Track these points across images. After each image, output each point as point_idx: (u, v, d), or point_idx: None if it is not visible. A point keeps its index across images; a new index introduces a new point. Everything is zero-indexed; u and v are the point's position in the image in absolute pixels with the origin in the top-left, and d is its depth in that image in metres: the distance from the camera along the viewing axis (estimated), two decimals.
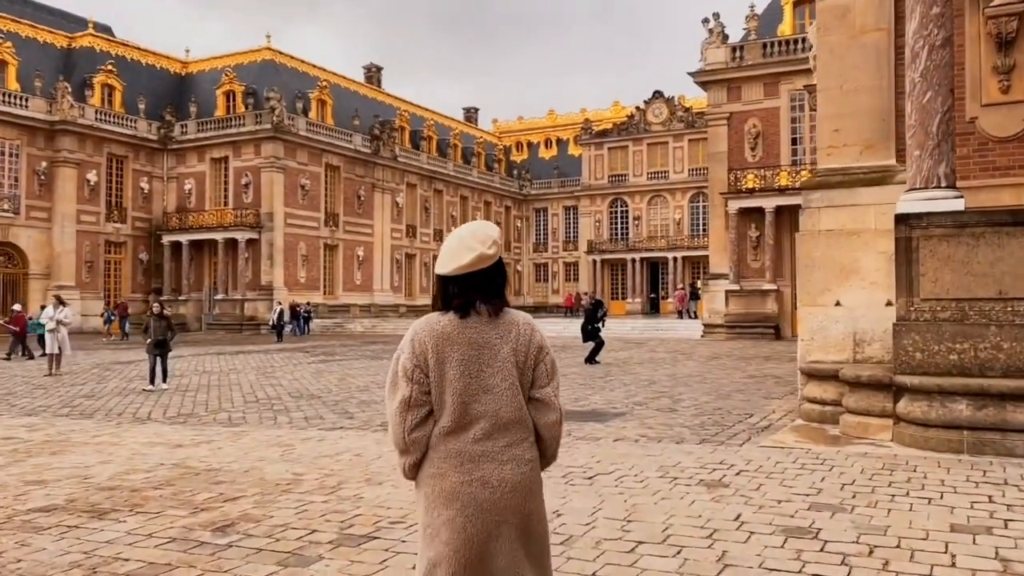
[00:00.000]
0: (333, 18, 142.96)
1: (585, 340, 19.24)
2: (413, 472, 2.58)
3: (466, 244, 2.52)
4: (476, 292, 2.53)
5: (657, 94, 60.75)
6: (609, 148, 62.27)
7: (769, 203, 30.71)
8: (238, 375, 17.12)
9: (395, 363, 2.57)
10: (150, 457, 7.78)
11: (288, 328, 37.86)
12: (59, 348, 17.96)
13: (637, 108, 61.66)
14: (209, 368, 19.10)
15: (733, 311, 31.12)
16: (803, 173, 30.71)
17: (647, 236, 60.34)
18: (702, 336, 31.53)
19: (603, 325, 19.59)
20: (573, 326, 36.45)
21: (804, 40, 31.39)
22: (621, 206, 61.96)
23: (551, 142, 69.57)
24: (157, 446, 8.43)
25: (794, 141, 31.60)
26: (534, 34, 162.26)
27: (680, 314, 44.34)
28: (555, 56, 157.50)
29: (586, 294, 20.00)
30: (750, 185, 31.22)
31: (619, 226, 61.99)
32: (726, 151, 32.30)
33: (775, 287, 30.72)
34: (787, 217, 31.21)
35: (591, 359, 18.76)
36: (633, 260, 59.69)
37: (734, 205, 31.33)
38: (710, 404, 10.78)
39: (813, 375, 8.69)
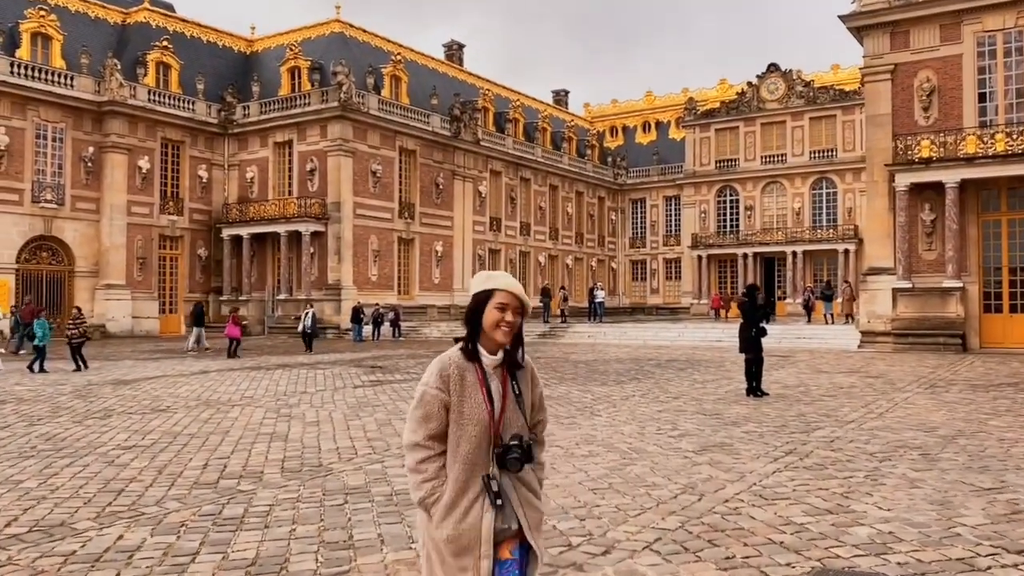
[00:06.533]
0: (464, 24, 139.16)
1: (743, 350, 13.06)
2: None
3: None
4: None
5: (772, 67, 53.71)
6: (716, 130, 55.44)
7: (951, 176, 23.80)
8: (243, 411, 11.79)
9: None
10: None
11: (352, 334, 33.07)
12: None
13: (749, 84, 54.65)
14: (219, 395, 13.90)
15: (903, 315, 24.34)
16: (997, 137, 23.76)
17: (761, 228, 53.28)
18: (859, 347, 24.89)
19: (769, 321, 13.46)
20: (690, 333, 30.29)
21: None
22: (731, 194, 55.04)
23: (649, 126, 63.03)
24: None
25: (982, 97, 24.54)
26: (627, 18, 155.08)
27: (810, 315, 37.39)
28: (652, 38, 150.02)
29: (745, 293, 13.71)
30: (925, 154, 24.34)
31: (728, 217, 55.09)
32: (889, 113, 25.49)
33: (959, 284, 23.80)
34: (974, 194, 24.35)
35: (756, 389, 12.71)
36: (745, 255, 52.74)
37: (903, 180, 24.52)
38: None
39: None
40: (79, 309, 20.70)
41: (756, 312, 12.95)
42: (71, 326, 19.23)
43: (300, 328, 27.32)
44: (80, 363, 18.58)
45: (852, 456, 7.68)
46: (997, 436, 8.66)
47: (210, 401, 12.99)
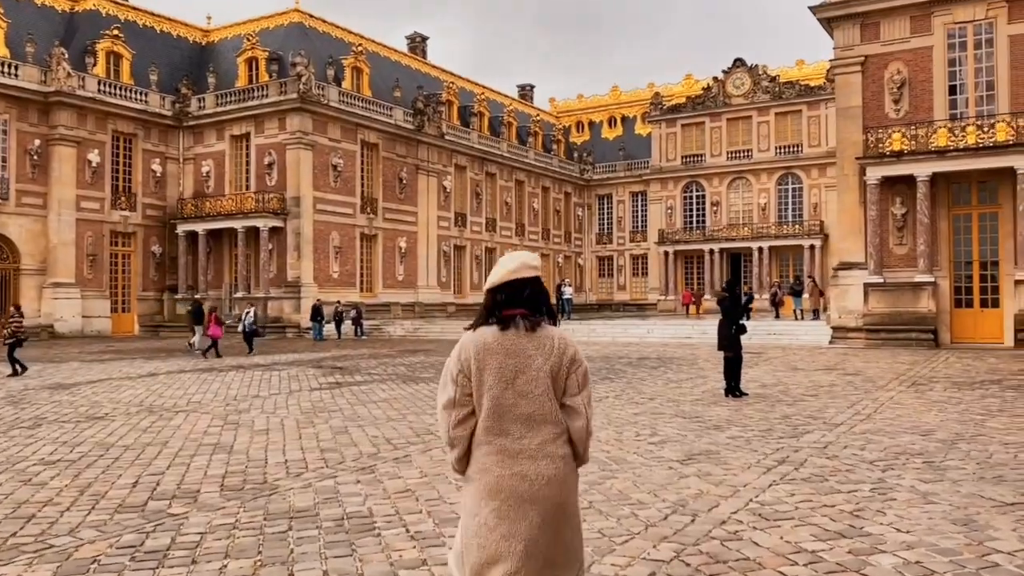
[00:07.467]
0: (432, 20, 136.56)
1: (721, 347, 12.40)
2: (461, 466, 2.81)
3: (512, 257, 2.85)
4: (519, 304, 2.77)
5: (738, 62, 53.51)
6: (683, 125, 55.15)
7: (922, 170, 23.53)
8: (187, 418, 10.89)
9: (445, 368, 2.84)
10: None
11: (312, 332, 32.17)
12: None
13: (715, 79, 54.40)
14: (164, 400, 12.95)
15: (875, 310, 24.06)
16: (968, 130, 23.51)
17: (727, 224, 53.13)
18: (831, 343, 24.55)
19: (748, 318, 12.96)
20: (659, 330, 29.78)
21: None
22: (697, 190, 54.79)
23: (615, 121, 62.58)
24: None
25: (952, 90, 24.31)
26: (592, 13, 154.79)
27: (777, 311, 37.15)
28: (616, 33, 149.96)
29: (725, 288, 13.04)
30: (896, 147, 24.06)
31: (694, 213, 54.85)
32: (860, 106, 25.18)
33: (931, 279, 23.57)
34: (945, 188, 24.11)
35: (734, 389, 12.10)
36: (711, 251, 52.55)
37: (874, 173, 24.20)
38: None
39: None
40: (17, 307, 19.49)
41: (737, 309, 12.35)
42: (6, 326, 18.11)
43: (240, 328, 26.50)
44: (16, 366, 17.43)
45: (851, 465, 7.05)
46: (999, 440, 8.10)
47: (153, 407, 12.06)
